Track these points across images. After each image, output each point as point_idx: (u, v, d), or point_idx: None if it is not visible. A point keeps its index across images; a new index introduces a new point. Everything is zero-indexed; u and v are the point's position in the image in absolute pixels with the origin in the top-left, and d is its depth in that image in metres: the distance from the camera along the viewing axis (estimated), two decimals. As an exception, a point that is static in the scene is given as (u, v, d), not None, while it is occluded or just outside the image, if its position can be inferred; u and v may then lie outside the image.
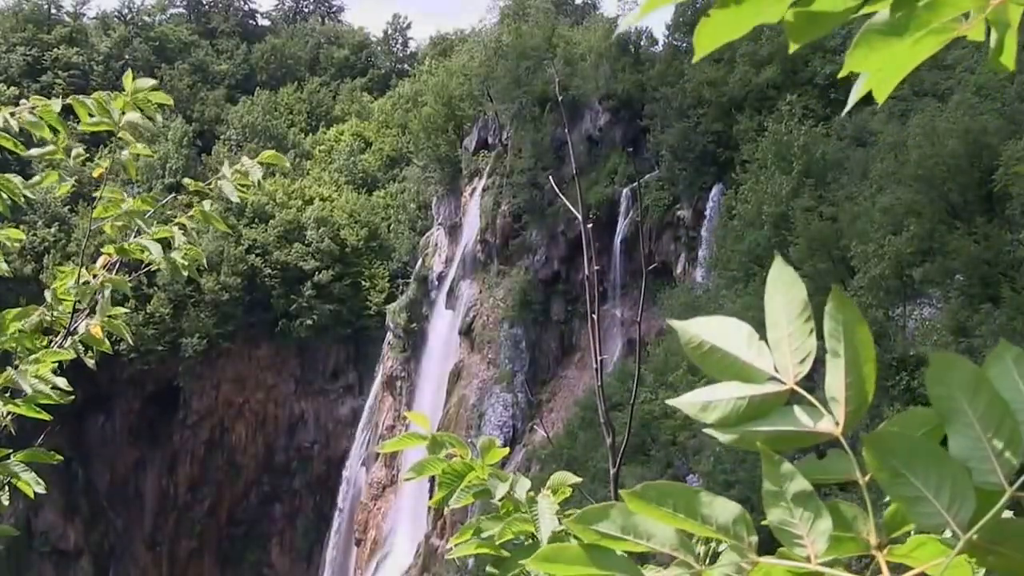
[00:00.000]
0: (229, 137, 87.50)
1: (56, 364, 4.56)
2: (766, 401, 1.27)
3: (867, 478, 1.25)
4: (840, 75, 1.23)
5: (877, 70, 1.19)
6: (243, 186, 5.06)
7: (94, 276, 4.81)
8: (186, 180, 5.41)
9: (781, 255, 1.36)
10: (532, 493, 3.02)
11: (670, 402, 1.36)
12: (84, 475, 73.29)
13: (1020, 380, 1.16)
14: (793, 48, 1.28)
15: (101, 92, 4.70)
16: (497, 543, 2.90)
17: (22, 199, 4.72)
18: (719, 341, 1.31)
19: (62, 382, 4.50)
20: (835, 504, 1.29)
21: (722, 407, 1.28)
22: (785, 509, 1.25)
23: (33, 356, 4.53)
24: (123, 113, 4.65)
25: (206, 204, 5.08)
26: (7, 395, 4.50)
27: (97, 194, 4.81)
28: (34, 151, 4.76)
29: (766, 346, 1.29)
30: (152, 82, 4.73)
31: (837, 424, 1.23)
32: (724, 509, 1.28)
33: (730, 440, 1.29)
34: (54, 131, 4.61)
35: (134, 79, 4.72)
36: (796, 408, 1.26)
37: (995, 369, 1.17)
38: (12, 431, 4.59)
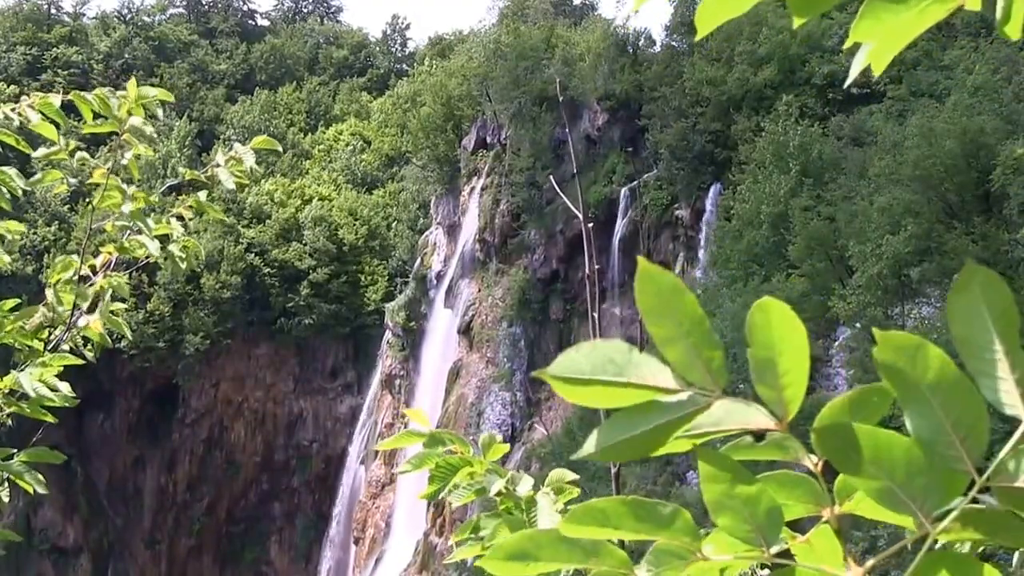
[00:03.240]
0: (229, 137, 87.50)
1: (61, 368, 4.59)
2: (692, 416, 1.16)
3: (820, 463, 1.20)
4: (846, 46, 1.20)
5: (882, 40, 1.15)
6: (242, 183, 5.09)
7: (93, 272, 4.84)
8: (181, 169, 5.45)
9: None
10: (533, 492, 3.02)
11: (575, 456, 1.23)
12: (83, 473, 73.27)
13: (988, 313, 1.06)
14: (798, 24, 1.22)
15: (103, 88, 4.73)
16: (492, 542, 2.87)
17: (20, 192, 4.75)
18: (605, 374, 1.16)
19: (65, 387, 4.51)
20: (783, 475, 1.25)
21: (641, 440, 1.16)
22: (731, 502, 1.19)
23: (40, 360, 4.55)
24: (128, 115, 4.69)
25: (202, 195, 5.12)
26: (12, 396, 4.52)
27: (96, 195, 4.84)
28: (40, 152, 4.79)
29: (658, 362, 1.17)
30: (156, 91, 4.77)
31: (780, 420, 1.16)
32: (661, 512, 1.21)
33: (660, 451, 1.18)
34: (56, 125, 4.64)
35: (134, 80, 4.75)
36: (729, 409, 1.17)
37: (961, 300, 1.08)
38: (10, 426, 4.62)
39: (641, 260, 1.19)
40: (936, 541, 1.11)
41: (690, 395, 1.16)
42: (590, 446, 1.18)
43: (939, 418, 1.09)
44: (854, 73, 1.19)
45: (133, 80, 4.75)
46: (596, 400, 1.17)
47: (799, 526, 1.31)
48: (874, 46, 1.12)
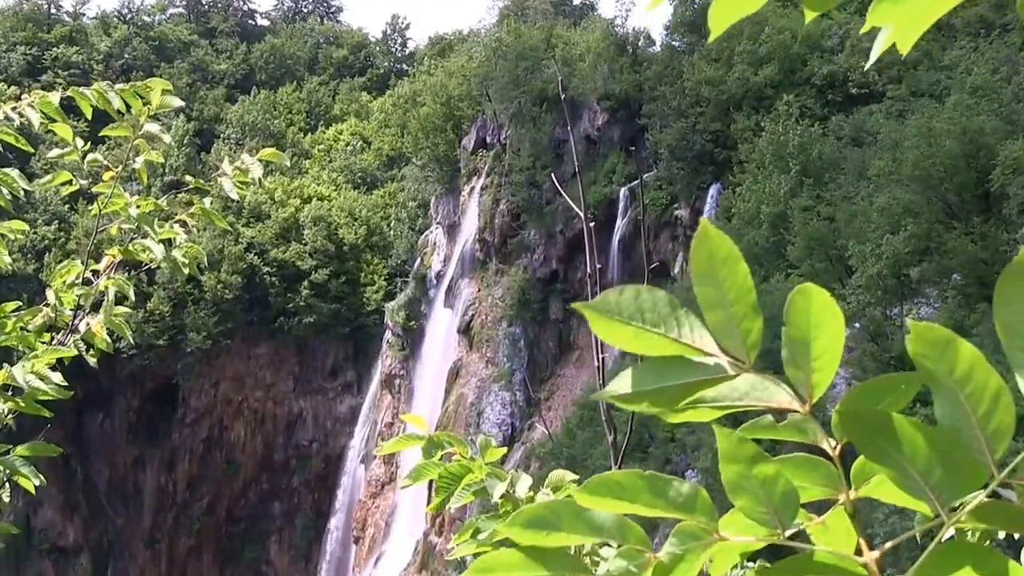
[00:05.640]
0: (228, 136, 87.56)
1: (55, 361, 4.57)
2: (718, 382, 1.16)
3: (838, 448, 1.20)
4: (863, 31, 1.18)
5: (900, 22, 1.13)
6: (243, 183, 5.07)
7: (96, 275, 4.84)
8: (188, 177, 5.42)
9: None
10: (532, 492, 3.03)
11: (596, 396, 1.23)
12: (83, 472, 73.29)
13: None
14: (810, 18, 1.21)
15: (102, 82, 4.68)
16: (492, 542, 2.89)
17: (21, 193, 4.74)
18: (643, 321, 1.17)
19: (58, 378, 4.50)
20: (800, 458, 1.25)
21: (667, 393, 1.17)
22: (748, 483, 1.19)
23: (33, 353, 4.54)
24: (145, 120, 4.67)
25: (206, 201, 5.11)
26: (8, 392, 4.52)
27: (98, 193, 4.83)
28: (53, 152, 4.78)
29: (699, 323, 1.18)
30: (179, 103, 4.72)
31: (804, 402, 1.17)
32: (679, 490, 1.22)
33: (680, 418, 1.19)
34: (51, 119, 4.61)
35: (158, 87, 4.69)
36: (754, 383, 1.17)
37: (1012, 285, 1.09)
38: (12, 428, 4.62)
39: (703, 221, 1.19)
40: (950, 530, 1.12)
41: (720, 361, 1.17)
42: (623, 386, 1.18)
43: (965, 410, 1.09)
44: (874, 57, 1.17)
45: (158, 87, 4.68)
46: (627, 343, 1.17)
47: (816, 510, 1.32)
48: (893, 29, 1.11)
